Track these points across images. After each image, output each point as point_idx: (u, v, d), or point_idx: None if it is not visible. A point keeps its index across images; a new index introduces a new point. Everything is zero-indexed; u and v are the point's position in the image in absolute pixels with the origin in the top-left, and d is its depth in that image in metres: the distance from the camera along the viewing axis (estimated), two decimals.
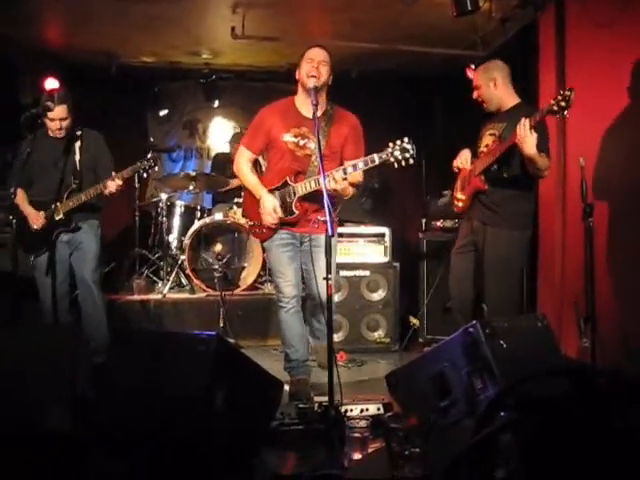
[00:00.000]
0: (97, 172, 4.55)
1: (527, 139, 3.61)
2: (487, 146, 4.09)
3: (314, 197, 3.81)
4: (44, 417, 2.73)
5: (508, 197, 4.01)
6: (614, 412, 1.48)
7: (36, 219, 4.42)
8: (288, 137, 3.87)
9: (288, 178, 3.86)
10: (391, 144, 3.56)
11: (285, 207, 3.88)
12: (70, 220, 4.43)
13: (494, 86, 4.09)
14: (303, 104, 3.90)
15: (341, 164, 3.92)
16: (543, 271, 5.10)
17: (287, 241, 3.99)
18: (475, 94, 4.20)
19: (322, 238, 3.44)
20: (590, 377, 1.58)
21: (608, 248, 4.21)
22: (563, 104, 3.47)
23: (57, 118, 4.35)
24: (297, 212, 3.87)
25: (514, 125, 3.73)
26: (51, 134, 4.45)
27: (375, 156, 3.61)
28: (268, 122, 3.94)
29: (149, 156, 4.43)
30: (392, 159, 3.55)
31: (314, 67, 3.78)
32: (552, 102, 3.53)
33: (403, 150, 3.53)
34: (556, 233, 4.92)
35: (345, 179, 3.70)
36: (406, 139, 3.55)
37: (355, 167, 3.69)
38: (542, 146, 3.74)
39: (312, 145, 3.81)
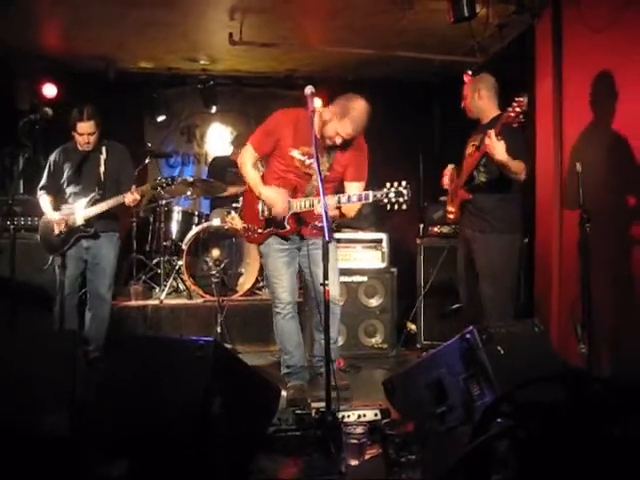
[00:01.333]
0: (119, 183, 4.75)
1: (496, 146, 3.78)
2: (469, 155, 4.31)
3: (306, 216, 3.87)
4: (43, 421, 2.72)
5: (493, 203, 4.17)
6: (610, 419, 1.48)
7: (59, 224, 4.62)
8: (296, 154, 3.88)
9: (285, 193, 3.88)
10: (388, 184, 3.58)
11: (279, 220, 3.91)
12: (90, 226, 4.63)
13: (478, 97, 4.28)
14: (321, 135, 3.86)
15: (341, 185, 3.99)
16: (540, 277, 5.10)
17: (284, 246, 4.00)
18: (463, 103, 4.40)
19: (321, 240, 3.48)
20: (586, 383, 1.58)
21: (605, 254, 4.21)
22: (518, 109, 3.66)
23: (85, 133, 4.57)
24: (288, 227, 3.91)
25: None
26: (79, 147, 4.65)
27: (370, 194, 3.64)
28: (281, 131, 3.91)
29: (166, 176, 4.69)
30: (386, 200, 3.56)
31: (335, 141, 3.80)
32: (508, 110, 3.72)
33: (398, 194, 3.54)
34: (553, 239, 4.92)
35: (338, 208, 3.77)
36: (404, 183, 3.55)
37: (349, 199, 3.72)
38: (516, 151, 3.90)
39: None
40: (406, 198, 3.53)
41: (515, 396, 1.51)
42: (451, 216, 4.48)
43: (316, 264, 3.83)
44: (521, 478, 1.29)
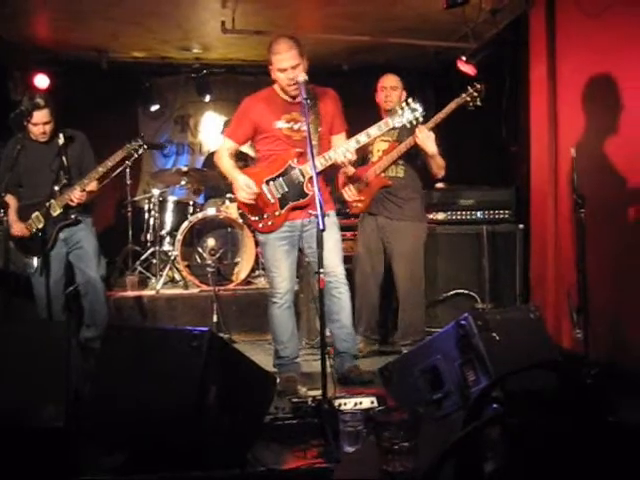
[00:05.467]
0: (82, 171, 4.62)
1: (429, 139, 4.21)
2: (384, 151, 4.61)
3: (322, 175, 3.84)
4: (38, 413, 2.72)
5: (410, 194, 4.61)
6: (606, 404, 1.48)
7: (18, 230, 4.49)
8: (281, 124, 3.81)
9: (291, 162, 3.78)
10: (398, 108, 3.75)
11: (295, 191, 3.79)
12: (68, 214, 4.51)
13: (400, 93, 4.62)
14: (285, 92, 3.82)
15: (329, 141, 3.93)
16: (535, 262, 5.11)
17: (285, 234, 3.87)
18: (391, 95, 4.60)
19: (326, 217, 3.48)
20: (580, 369, 1.58)
21: (600, 239, 4.21)
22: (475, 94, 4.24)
23: (40, 122, 4.42)
24: (310, 193, 3.74)
25: (407, 129, 4.22)
26: (34, 138, 4.50)
27: (388, 120, 3.78)
28: (254, 112, 3.85)
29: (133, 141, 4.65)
30: (404, 121, 3.73)
31: (290, 78, 3.68)
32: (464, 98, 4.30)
33: (413, 110, 3.73)
34: (548, 224, 4.92)
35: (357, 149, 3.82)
36: (411, 99, 3.76)
37: (368, 135, 3.78)
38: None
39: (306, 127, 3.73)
40: (420, 110, 3.75)
41: (507, 383, 1.51)
42: (360, 205, 4.63)
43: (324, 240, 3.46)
44: (514, 465, 1.29)
